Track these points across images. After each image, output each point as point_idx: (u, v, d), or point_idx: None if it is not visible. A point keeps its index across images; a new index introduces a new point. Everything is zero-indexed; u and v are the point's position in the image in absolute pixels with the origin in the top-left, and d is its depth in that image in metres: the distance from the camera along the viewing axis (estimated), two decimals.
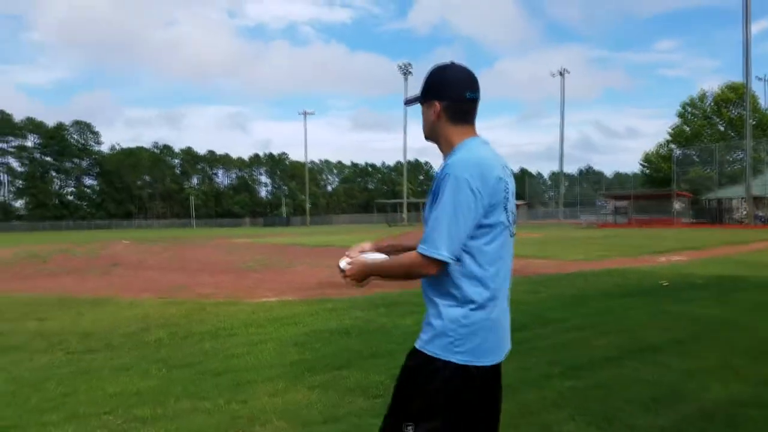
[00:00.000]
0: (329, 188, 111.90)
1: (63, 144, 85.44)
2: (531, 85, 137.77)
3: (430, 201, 1.69)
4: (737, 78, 49.88)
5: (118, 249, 23.84)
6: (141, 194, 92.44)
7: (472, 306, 1.67)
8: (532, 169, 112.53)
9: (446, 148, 1.77)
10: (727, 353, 4.86)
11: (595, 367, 4.51)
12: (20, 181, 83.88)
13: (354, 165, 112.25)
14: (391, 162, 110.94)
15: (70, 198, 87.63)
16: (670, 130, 60.48)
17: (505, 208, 1.69)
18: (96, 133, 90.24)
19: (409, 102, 1.86)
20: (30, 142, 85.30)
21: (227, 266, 14.76)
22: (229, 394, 3.98)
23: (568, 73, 66.25)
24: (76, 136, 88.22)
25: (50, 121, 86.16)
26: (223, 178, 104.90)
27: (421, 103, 1.81)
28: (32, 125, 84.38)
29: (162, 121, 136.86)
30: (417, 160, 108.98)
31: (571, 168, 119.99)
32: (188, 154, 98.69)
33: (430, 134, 1.82)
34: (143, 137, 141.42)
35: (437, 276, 1.67)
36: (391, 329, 5.99)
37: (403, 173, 74.22)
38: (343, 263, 1.91)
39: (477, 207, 1.62)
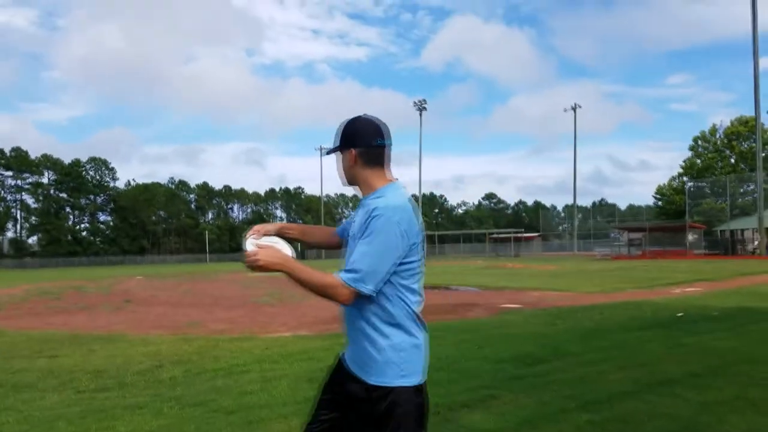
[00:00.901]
0: (344, 222, 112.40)
1: (79, 180, 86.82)
2: (544, 120, 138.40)
3: (357, 234, 1.87)
4: (749, 111, 50.15)
5: (131, 285, 23.93)
6: (155, 229, 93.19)
7: (407, 334, 1.87)
8: (546, 202, 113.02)
9: (367, 189, 1.98)
10: (744, 385, 4.78)
11: (613, 400, 4.43)
12: (34, 218, 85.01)
13: None
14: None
15: (84, 234, 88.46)
16: (682, 163, 60.57)
17: (423, 248, 1.92)
18: (112, 170, 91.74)
19: (329, 152, 2.05)
20: (46, 178, 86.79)
21: (241, 301, 14.74)
22: None
23: (581, 107, 66.86)
24: (92, 173, 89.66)
25: (67, 158, 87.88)
26: (238, 213, 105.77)
27: (340, 152, 2.00)
28: (48, 162, 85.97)
29: (179, 157, 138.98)
30: (432, 194, 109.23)
31: (585, 200, 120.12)
32: (204, 189, 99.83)
33: (351, 179, 2.02)
34: (160, 173, 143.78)
35: (350, 304, 1.85)
36: None
37: (419, 207, 74.59)
38: (250, 246, 1.90)
39: (402, 248, 1.82)
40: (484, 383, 5.00)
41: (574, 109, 66.39)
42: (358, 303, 1.84)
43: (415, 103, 69.08)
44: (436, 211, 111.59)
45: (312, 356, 6.60)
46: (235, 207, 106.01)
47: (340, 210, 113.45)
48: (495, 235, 71.31)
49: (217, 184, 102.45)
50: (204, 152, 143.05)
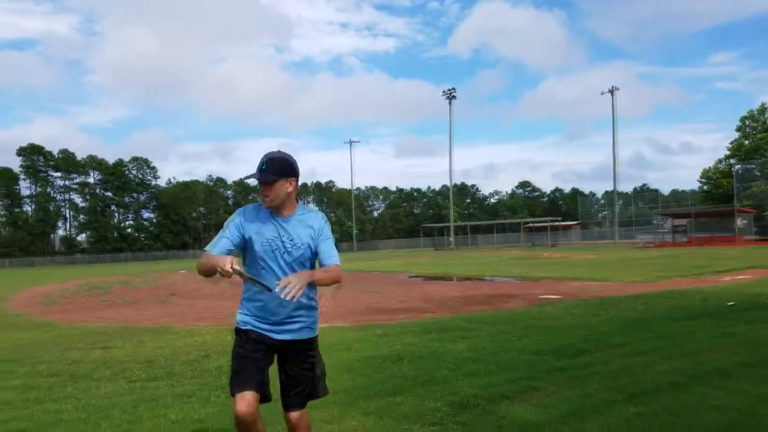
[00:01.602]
0: (375, 214, 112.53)
1: (123, 179, 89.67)
2: (577, 104, 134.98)
3: (318, 236, 2.74)
4: None
5: (175, 279, 24.65)
6: (196, 225, 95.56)
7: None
8: (584, 189, 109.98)
9: (292, 208, 2.73)
10: None
11: (661, 393, 4.31)
12: (83, 216, 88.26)
13: (399, 190, 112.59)
14: (436, 186, 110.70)
15: (129, 231, 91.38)
16: (729, 145, 58.17)
17: None
18: (153, 168, 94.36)
19: (270, 181, 2.63)
20: (92, 178, 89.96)
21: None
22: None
23: (618, 90, 64.81)
24: (134, 172, 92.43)
25: (111, 158, 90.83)
26: None
27: (285, 179, 2.65)
28: (94, 162, 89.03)
29: (215, 154, 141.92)
30: (463, 184, 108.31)
31: (625, 186, 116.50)
32: (240, 185, 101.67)
33: (281, 201, 2.68)
34: (197, 171, 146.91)
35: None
36: (444, 355, 5.93)
37: (450, 197, 73.87)
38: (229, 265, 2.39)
39: None
40: (523, 375, 4.96)
41: (611, 91, 64.33)
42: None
43: (444, 92, 68.32)
44: (468, 201, 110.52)
45: (349, 347, 6.70)
46: None
47: (370, 202, 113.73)
48: (530, 224, 70.02)
49: (252, 180, 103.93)
50: (237, 149, 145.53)
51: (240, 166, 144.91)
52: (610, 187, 73.97)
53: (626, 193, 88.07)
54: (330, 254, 2.70)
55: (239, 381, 2.64)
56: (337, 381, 5.08)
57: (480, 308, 9.78)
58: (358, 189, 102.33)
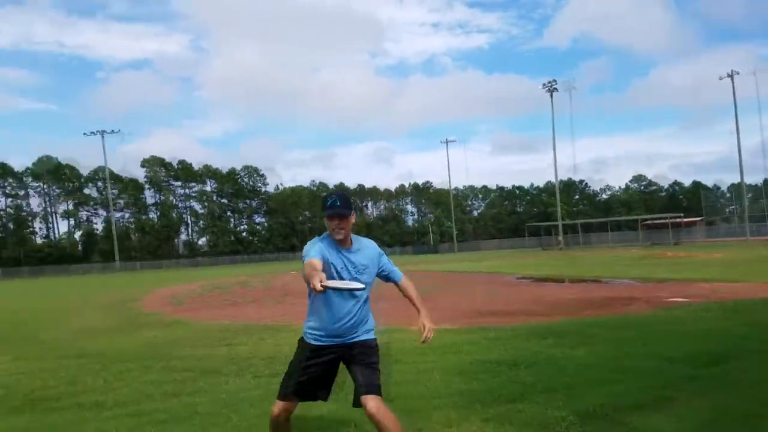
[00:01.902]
0: (475, 214, 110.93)
1: (236, 187, 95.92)
2: (694, 91, 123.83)
3: (380, 259, 3.17)
4: None
5: (287, 280, 25.88)
6: (303, 228, 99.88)
7: None
8: (708, 182, 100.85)
9: (349, 239, 3.04)
10: None
11: None
12: (202, 222, 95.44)
13: (500, 189, 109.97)
14: (540, 183, 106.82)
15: (243, 234, 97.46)
16: None
17: None
18: (262, 176, 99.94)
19: (347, 214, 2.97)
20: (208, 186, 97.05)
21: (385, 294, 15.23)
22: (403, 421, 4.04)
23: (738, 74, 58.77)
24: (246, 179, 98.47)
25: (224, 167, 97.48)
26: (372, 210, 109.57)
27: (352, 212, 3.00)
28: (209, 172, 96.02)
29: (316, 160, 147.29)
30: (570, 179, 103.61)
31: (754, 177, 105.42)
32: (340, 189, 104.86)
33: (348, 233, 3.03)
34: (301, 177, 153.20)
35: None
36: (563, 361, 5.68)
37: (556, 194, 70.92)
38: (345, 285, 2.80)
39: None
40: (653, 383, 4.63)
41: (730, 76, 58.45)
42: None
43: (543, 84, 65.65)
44: (577, 197, 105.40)
45: (459, 349, 6.62)
46: (369, 204, 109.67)
47: (469, 202, 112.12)
48: (649, 222, 65.42)
49: (351, 184, 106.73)
50: (336, 155, 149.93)
51: (338, 171, 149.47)
52: (735, 179, 67.43)
53: (756, 186, 79.60)
54: (396, 270, 3.24)
55: (286, 387, 3.06)
56: (449, 384, 5.05)
57: (598, 312, 9.27)
58: (456, 189, 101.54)
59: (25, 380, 6.12)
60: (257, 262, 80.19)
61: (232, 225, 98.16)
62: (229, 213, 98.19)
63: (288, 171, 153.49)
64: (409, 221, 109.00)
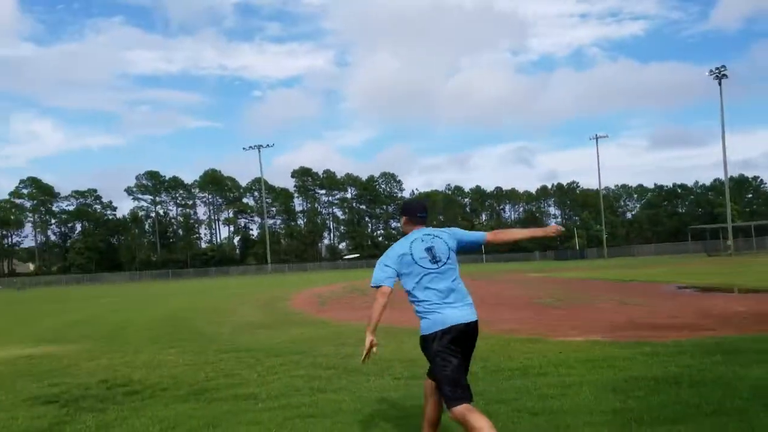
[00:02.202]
0: (629, 215, 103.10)
1: (374, 193, 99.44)
2: None
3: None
4: None
5: None
6: None
7: None
8: None
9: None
10: None
11: None
12: (343, 227, 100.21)
13: (658, 187, 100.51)
14: (706, 180, 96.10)
15: (380, 239, 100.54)
16: None
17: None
18: (399, 182, 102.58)
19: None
20: (349, 194, 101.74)
21: (525, 301, 14.71)
22: None
23: None
24: (383, 186, 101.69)
25: (363, 175, 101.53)
26: (510, 213, 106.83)
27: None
28: (350, 180, 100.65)
29: (451, 164, 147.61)
30: (742, 176, 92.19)
31: None
32: (477, 192, 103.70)
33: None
34: (435, 181, 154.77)
35: None
36: (734, 381, 5.00)
37: (725, 192, 63.11)
38: None
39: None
40: None
41: None
42: None
43: (710, 71, 58.88)
44: (750, 196, 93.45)
45: (612, 364, 6.12)
46: (507, 207, 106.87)
47: (622, 203, 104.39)
48: None
49: (488, 187, 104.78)
50: (472, 157, 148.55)
51: (474, 174, 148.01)
52: None
53: None
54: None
55: (460, 394, 3.10)
56: (601, 400, 4.68)
57: None
58: (606, 188, 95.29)
59: (190, 372, 6.75)
60: None
61: (369, 230, 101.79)
62: (367, 218, 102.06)
63: (423, 176, 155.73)
64: (551, 224, 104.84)
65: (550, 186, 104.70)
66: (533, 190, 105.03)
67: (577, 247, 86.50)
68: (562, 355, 6.75)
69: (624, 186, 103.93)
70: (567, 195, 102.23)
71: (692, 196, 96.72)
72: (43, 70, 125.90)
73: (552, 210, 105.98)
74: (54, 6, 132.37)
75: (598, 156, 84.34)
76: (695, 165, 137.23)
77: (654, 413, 4.20)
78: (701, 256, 54.13)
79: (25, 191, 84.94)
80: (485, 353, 6.99)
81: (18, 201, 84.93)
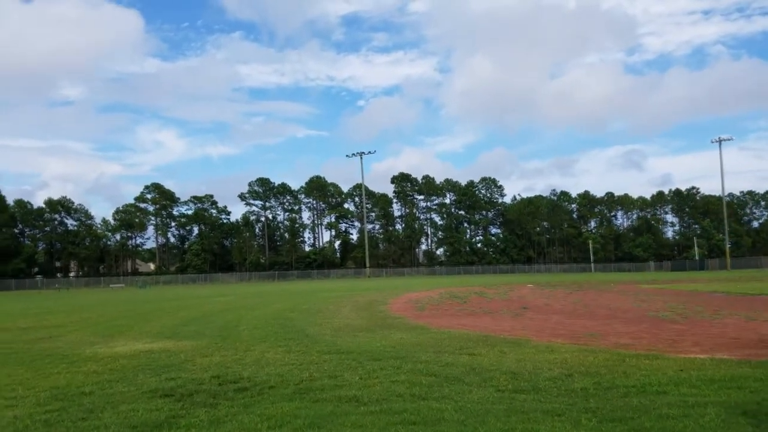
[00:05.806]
0: (755, 224, 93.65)
1: (473, 199, 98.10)
2: None
3: None
4: None
5: (524, 293, 25.30)
6: (540, 240, 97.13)
7: None
8: None
9: None
10: None
11: None
12: (440, 233, 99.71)
13: None
14: None
15: (479, 246, 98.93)
16: None
17: None
18: (500, 187, 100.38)
19: None
20: (447, 199, 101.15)
21: (638, 314, 13.74)
22: None
23: None
24: (483, 191, 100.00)
25: (463, 180, 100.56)
26: (622, 220, 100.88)
27: None
28: (449, 185, 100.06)
29: (554, 168, 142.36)
30: None
31: None
32: (585, 198, 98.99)
33: None
34: (537, 186, 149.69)
35: None
36: None
37: None
38: None
39: None
40: None
41: None
42: None
43: None
44: None
45: (742, 385, 5.54)
46: (619, 214, 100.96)
47: (748, 210, 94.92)
48: None
49: (597, 192, 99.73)
50: (577, 162, 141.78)
51: (580, 178, 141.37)
52: None
53: None
54: None
55: None
56: (730, 424, 4.24)
57: None
58: (729, 195, 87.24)
59: (295, 371, 6.94)
60: (491, 274, 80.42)
61: (468, 236, 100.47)
62: (465, 224, 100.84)
63: (524, 180, 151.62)
64: (668, 233, 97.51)
65: (666, 192, 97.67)
66: (647, 196, 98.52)
67: (697, 257, 79.77)
68: (684, 373, 6.21)
69: (750, 192, 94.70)
70: (686, 201, 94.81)
71: None
72: (167, 84, 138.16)
73: (669, 218, 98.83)
74: (179, 24, 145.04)
75: (721, 160, 76.64)
76: None
77: None
78: None
79: (148, 196, 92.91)
80: (598, 368, 6.59)
81: (142, 205, 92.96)
